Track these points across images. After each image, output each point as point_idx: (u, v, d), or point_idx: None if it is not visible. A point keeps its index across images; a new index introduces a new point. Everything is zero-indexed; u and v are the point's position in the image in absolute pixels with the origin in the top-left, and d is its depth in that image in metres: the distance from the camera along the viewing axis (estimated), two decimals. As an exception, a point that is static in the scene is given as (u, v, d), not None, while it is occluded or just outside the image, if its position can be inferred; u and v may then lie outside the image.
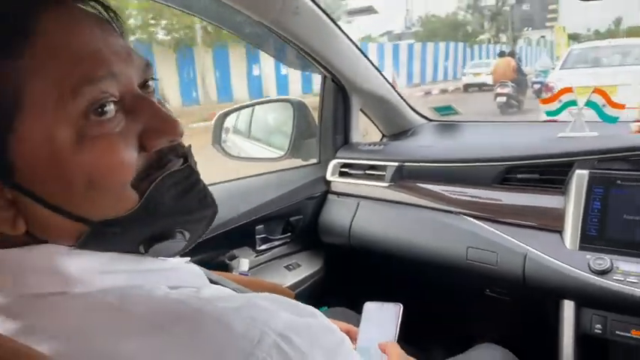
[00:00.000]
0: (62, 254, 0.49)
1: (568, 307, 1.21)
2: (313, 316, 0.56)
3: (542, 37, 51.10)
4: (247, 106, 1.99)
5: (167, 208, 0.52)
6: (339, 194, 1.74)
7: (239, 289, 0.88)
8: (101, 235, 0.49)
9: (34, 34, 0.44)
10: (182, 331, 0.46)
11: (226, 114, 1.85)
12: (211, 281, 0.77)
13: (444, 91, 19.46)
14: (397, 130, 1.93)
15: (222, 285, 0.81)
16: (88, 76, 0.45)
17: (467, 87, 19.19)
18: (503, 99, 10.77)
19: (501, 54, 13.45)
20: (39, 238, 0.49)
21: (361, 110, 1.85)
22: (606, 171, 1.23)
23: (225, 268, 1.47)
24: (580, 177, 1.25)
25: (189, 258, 0.61)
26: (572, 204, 1.24)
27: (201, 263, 1.38)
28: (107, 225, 0.49)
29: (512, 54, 12.87)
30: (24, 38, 0.44)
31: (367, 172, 1.69)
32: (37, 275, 0.48)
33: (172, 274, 0.55)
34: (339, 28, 1.50)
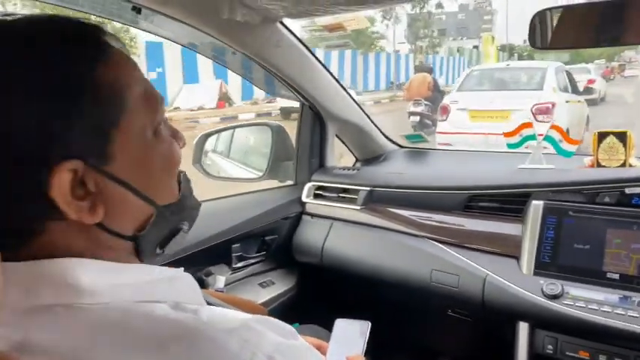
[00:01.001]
0: (77, 265, 0.52)
1: (523, 329, 1.30)
2: (294, 337, 0.62)
3: (475, 47, 49.14)
4: (228, 129, 2.06)
5: (188, 200, 0.65)
6: (313, 215, 1.82)
7: (223, 306, 0.93)
8: (160, 219, 0.59)
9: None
10: (180, 350, 0.50)
11: (207, 135, 1.91)
12: None
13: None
14: (370, 155, 2.03)
15: (210, 303, 0.87)
16: (159, 98, 0.60)
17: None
18: (417, 118, 9.76)
19: (417, 68, 12.71)
20: (107, 228, 0.55)
21: (337, 136, 1.94)
22: (560, 202, 1.34)
23: (201, 284, 1.53)
24: (536, 207, 1.35)
25: (182, 268, 0.64)
26: (528, 232, 1.34)
27: (178, 279, 1.44)
28: (165, 209, 0.60)
29: (428, 69, 11.67)
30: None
31: (340, 195, 1.77)
32: (50, 286, 0.52)
33: (173, 286, 0.59)
34: (318, 61, 1.59)
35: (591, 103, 15.07)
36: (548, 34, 1.09)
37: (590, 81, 17.29)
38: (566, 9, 1.11)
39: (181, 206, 0.64)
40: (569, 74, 8.59)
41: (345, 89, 1.79)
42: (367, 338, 1.08)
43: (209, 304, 0.83)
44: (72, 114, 0.50)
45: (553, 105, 6.87)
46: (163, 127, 0.60)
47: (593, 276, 1.23)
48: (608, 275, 1.22)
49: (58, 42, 0.51)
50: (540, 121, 6.45)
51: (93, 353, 0.50)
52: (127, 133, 0.54)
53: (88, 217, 0.52)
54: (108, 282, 0.54)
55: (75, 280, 0.52)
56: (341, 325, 1.15)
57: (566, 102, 7.46)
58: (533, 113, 6.76)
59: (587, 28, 1.04)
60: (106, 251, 0.57)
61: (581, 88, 16.87)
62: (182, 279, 0.62)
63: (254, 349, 0.52)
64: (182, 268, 0.64)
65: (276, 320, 0.62)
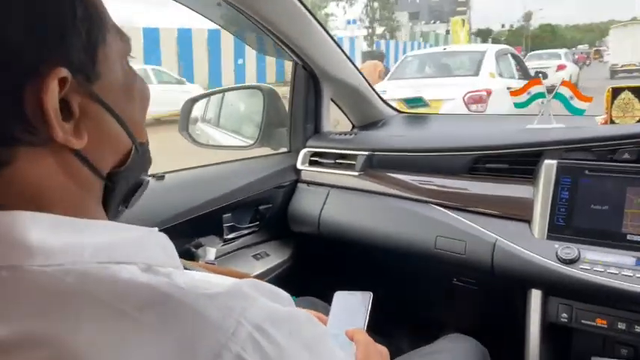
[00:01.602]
0: (28, 219, 0.44)
1: (535, 297, 1.22)
2: (292, 306, 0.54)
3: (448, 31, 45.14)
4: (216, 93, 1.95)
5: (148, 150, 0.60)
6: (309, 183, 1.72)
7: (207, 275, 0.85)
8: (136, 157, 0.55)
9: None
10: (149, 319, 0.42)
11: (194, 100, 1.81)
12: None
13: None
14: (367, 121, 1.92)
15: (187, 269, 0.78)
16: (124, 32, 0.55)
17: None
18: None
19: (365, 55, 12.04)
20: (85, 158, 0.49)
21: (332, 100, 1.83)
22: (574, 161, 1.24)
23: (190, 256, 1.44)
24: (548, 167, 1.26)
25: (157, 228, 0.55)
26: (540, 193, 1.25)
27: (166, 251, 1.36)
28: (142, 146, 0.56)
29: (379, 56, 10.97)
30: None
31: (337, 161, 1.67)
32: None
33: (144, 247, 0.50)
34: (313, 16, 1.48)
35: None
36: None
37: (561, 66, 17.37)
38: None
39: (146, 151, 0.59)
40: (516, 58, 7.94)
41: (341, 48, 1.67)
42: (369, 310, 1.01)
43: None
44: (67, 18, 0.46)
45: (488, 93, 6.06)
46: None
47: (612, 238, 1.14)
48: (629, 237, 1.13)
49: None
50: (474, 112, 5.97)
51: (44, 326, 0.41)
52: (111, 54, 0.51)
53: (73, 139, 0.46)
54: (64, 240, 0.45)
55: (23, 236, 0.43)
56: (341, 297, 1.08)
57: (509, 89, 6.63)
58: (465, 102, 6.12)
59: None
60: (76, 190, 0.50)
61: (551, 74, 17.04)
62: (154, 237, 0.53)
63: (239, 317, 0.44)
64: (156, 228, 0.55)
65: (272, 286, 0.54)
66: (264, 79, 20.05)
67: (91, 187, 0.51)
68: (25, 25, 0.43)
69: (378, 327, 1.07)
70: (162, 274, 0.46)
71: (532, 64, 18.14)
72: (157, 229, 0.55)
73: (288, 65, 1.78)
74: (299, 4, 1.41)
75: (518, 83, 6.42)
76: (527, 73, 7.60)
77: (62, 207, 0.47)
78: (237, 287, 0.47)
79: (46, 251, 0.43)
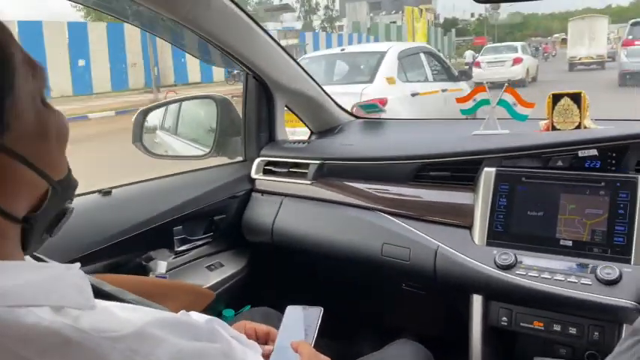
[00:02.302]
0: None
1: (477, 301, 1.25)
2: (212, 339, 0.55)
3: (393, 22, 41.97)
4: (170, 103, 1.94)
5: (71, 175, 0.59)
6: (263, 192, 1.73)
7: (138, 301, 0.85)
8: (54, 196, 0.54)
9: None
10: None
11: (147, 111, 1.80)
12: (103, 294, 0.73)
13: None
14: (325, 127, 1.94)
15: (117, 297, 0.78)
16: (41, 66, 0.54)
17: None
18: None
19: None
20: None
21: (287, 107, 1.84)
22: (512, 168, 1.28)
23: (142, 270, 1.43)
24: (488, 174, 1.29)
25: (79, 264, 0.56)
26: (480, 200, 1.28)
27: (116, 266, 1.36)
28: (59, 184, 0.55)
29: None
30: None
31: (291, 169, 1.68)
32: None
33: (55, 287, 0.50)
34: (258, 25, 1.48)
35: (520, 84, 14.45)
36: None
37: (517, 60, 16.98)
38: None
39: (69, 182, 0.59)
40: (435, 57, 6.92)
41: (291, 56, 1.68)
42: (318, 324, 1.03)
43: (125, 301, 0.74)
44: None
45: (382, 102, 4.88)
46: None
47: (547, 244, 1.18)
48: (562, 242, 1.17)
49: None
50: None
51: None
52: (20, 100, 0.49)
53: None
54: None
55: None
56: (291, 312, 1.11)
57: (413, 95, 5.69)
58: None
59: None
60: None
61: (507, 67, 16.43)
62: (69, 277, 0.53)
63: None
64: (78, 264, 0.56)
65: (193, 319, 0.55)
66: (212, 77, 19.91)
67: (5, 231, 0.51)
68: None
69: (335, 335, 1.08)
70: (69, 317, 0.46)
71: (487, 57, 18.19)
72: (77, 265, 0.55)
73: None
74: (244, 16, 1.42)
75: (431, 87, 6.16)
76: (451, 74, 6.81)
77: None
78: (145, 328, 0.48)
79: None
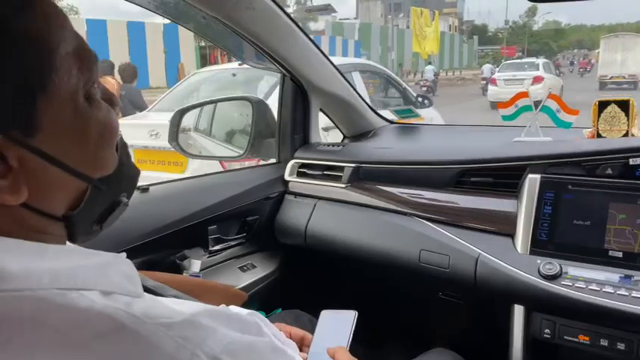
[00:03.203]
0: None
1: (518, 312, 1.21)
2: (259, 333, 0.54)
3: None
4: (206, 104, 1.95)
5: (126, 168, 0.58)
6: (296, 194, 1.72)
7: (179, 296, 0.84)
8: (96, 194, 0.53)
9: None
10: (103, 348, 0.43)
11: (183, 111, 1.80)
12: (145, 288, 0.73)
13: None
14: (358, 131, 1.92)
15: (158, 293, 0.78)
16: (93, 57, 0.52)
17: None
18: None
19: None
20: (34, 208, 0.48)
21: (321, 110, 1.83)
22: (558, 176, 1.24)
23: (176, 268, 1.43)
24: (532, 181, 1.25)
25: (125, 254, 0.56)
26: (523, 208, 1.24)
27: (151, 263, 1.36)
28: (101, 182, 0.54)
29: (109, 69, 6.26)
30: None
31: (325, 172, 1.67)
32: None
33: (104, 273, 0.50)
34: (298, 26, 1.48)
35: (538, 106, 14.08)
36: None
37: (537, 79, 15.65)
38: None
39: (120, 176, 0.57)
40: (383, 76, 5.58)
41: (329, 59, 1.67)
42: (353, 329, 1.02)
43: (165, 296, 0.74)
44: None
45: None
46: (97, 91, 0.53)
47: (594, 254, 1.13)
48: (611, 253, 1.12)
49: None
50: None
51: None
52: (57, 98, 0.47)
53: (9, 197, 0.45)
54: (24, 264, 0.44)
55: None
56: (326, 316, 1.10)
57: (326, 129, 3.21)
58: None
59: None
60: (34, 235, 0.48)
61: (526, 86, 14.70)
62: (117, 265, 0.52)
63: (194, 348, 0.45)
64: (124, 254, 0.56)
65: (239, 312, 0.55)
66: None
67: (47, 228, 0.51)
68: None
69: (367, 341, 1.06)
70: (121, 302, 0.46)
71: (505, 74, 17.06)
72: (124, 254, 0.55)
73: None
74: (284, 16, 1.41)
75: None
76: (407, 99, 5.30)
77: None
78: (196, 317, 0.48)
79: (4, 275, 0.43)
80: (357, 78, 4.77)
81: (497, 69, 19.29)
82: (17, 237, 0.47)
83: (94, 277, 0.48)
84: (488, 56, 46.94)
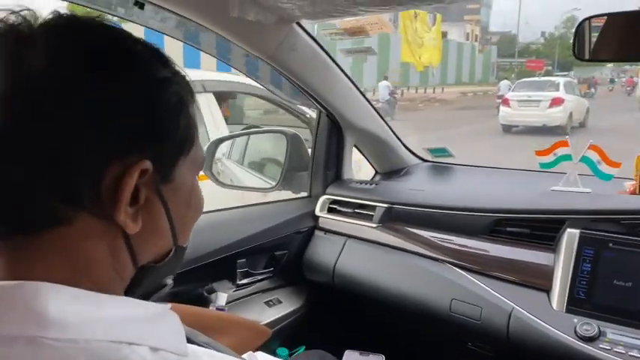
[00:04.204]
0: (48, 289, 0.45)
1: None
2: None
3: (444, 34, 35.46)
4: (241, 135, 1.97)
5: (185, 252, 0.61)
6: (326, 231, 1.71)
7: (210, 344, 0.84)
8: (174, 258, 0.57)
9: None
10: None
11: (220, 141, 1.83)
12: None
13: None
14: (391, 168, 1.91)
15: (190, 339, 0.78)
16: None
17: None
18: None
19: None
20: (131, 245, 0.51)
21: (355, 146, 1.83)
22: (598, 232, 1.20)
23: (202, 301, 1.43)
24: (571, 236, 1.22)
25: (169, 305, 0.56)
26: (561, 263, 1.20)
27: (178, 295, 1.36)
28: (181, 250, 0.58)
29: None
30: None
31: (356, 210, 1.66)
32: (13, 312, 0.43)
33: (153, 327, 0.51)
34: (337, 66, 1.49)
35: (558, 132, 11.15)
36: (589, 44, 0.97)
37: (556, 100, 13.46)
38: (610, 17, 0.98)
39: (182, 253, 0.61)
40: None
41: (365, 96, 1.68)
42: None
43: (197, 343, 0.74)
44: (171, 127, 0.51)
45: None
46: None
47: (636, 318, 1.09)
48: (653, 318, 1.08)
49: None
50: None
51: None
52: (187, 167, 0.55)
53: (131, 223, 0.49)
54: (80, 314, 0.45)
55: (43, 306, 0.43)
56: (350, 357, 1.07)
57: None
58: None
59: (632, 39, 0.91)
60: (109, 276, 0.51)
61: (542, 109, 13.01)
62: (167, 319, 0.53)
63: None
64: (170, 305, 0.56)
65: None
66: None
67: (123, 272, 0.53)
68: (145, 118, 0.48)
69: None
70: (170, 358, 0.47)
71: (519, 94, 14.45)
72: (169, 305, 0.56)
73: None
74: (326, 57, 1.42)
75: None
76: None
77: (91, 281, 0.48)
78: None
79: (62, 324, 0.43)
80: (206, 100, 3.12)
81: (511, 89, 16.30)
82: (101, 264, 0.49)
83: (145, 330, 0.49)
84: (510, 70, 40.87)
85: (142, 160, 0.48)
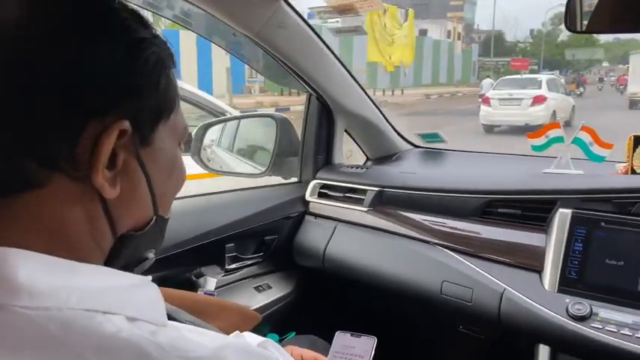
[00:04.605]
0: (17, 257, 0.43)
1: (543, 352, 1.16)
2: None
3: (425, 31, 35.95)
4: (230, 119, 1.95)
5: (166, 224, 0.60)
6: (316, 215, 1.69)
7: (195, 322, 0.82)
8: (155, 228, 0.55)
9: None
10: None
11: (207, 126, 1.80)
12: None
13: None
14: (382, 154, 1.89)
15: (173, 317, 0.76)
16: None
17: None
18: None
19: None
20: (110, 213, 0.50)
21: (346, 131, 1.80)
22: (590, 212, 1.19)
23: (191, 285, 1.41)
24: (563, 216, 1.20)
25: (151, 277, 0.55)
26: (552, 243, 1.19)
27: (166, 279, 1.34)
28: (161, 220, 0.56)
29: None
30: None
31: (347, 194, 1.64)
32: None
33: (131, 297, 0.49)
34: (327, 47, 1.47)
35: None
36: (580, 16, 0.95)
37: (538, 99, 13.03)
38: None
39: (164, 228, 0.60)
40: None
41: (356, 80, 1.65)
42: (372, 355, 0.98)
43: (179, 321, 0.73)
44: (152, 84, 0.50)
45: None
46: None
47: (627, 297, 1.08)
48: (645, 296, 1.07)
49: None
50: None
51: None
52: (169, 131, 0.54)
53: (109, 188, 0.47)
54: (54, 281, 0.44)
55: (12, 274, 0.42)
56: (342, 338, 1.05)
57: None
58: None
59: (628, 9, 0.89)
60: (86, 243, 0.49)
61: (524, 107, 12.29)
62: (146, 289, 0.52)
63: None
64: (150, 277, 0.54)
65: (262, 350, 0.55)
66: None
67: (102, 241, 0.51)
68: (123, 75, 0.47)
69: None
70: (146, 330, 0.45)
71: (500, 92, 14.02)
72: (150, 277, 0.54)
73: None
74: (315, 37, 1.40)
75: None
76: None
77: (68, 248, 0.47)
78: (218, 353, 0.47)
79: (33, 292, 0.42)
80: None
81: (492, 87, 15.89)
82: (78, 230, 0.48)
83: (122, 300, 0.47)
84: (494, 70, 39.14)
85: (120, 120, 0.46)
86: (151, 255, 0.60)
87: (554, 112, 12.94)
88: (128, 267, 0.57)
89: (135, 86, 0.48)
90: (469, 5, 54.43)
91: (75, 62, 0.44)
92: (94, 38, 0.46)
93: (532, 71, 32.37)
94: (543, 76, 15.96)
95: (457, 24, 44.78)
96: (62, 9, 0.46)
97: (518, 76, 18.05)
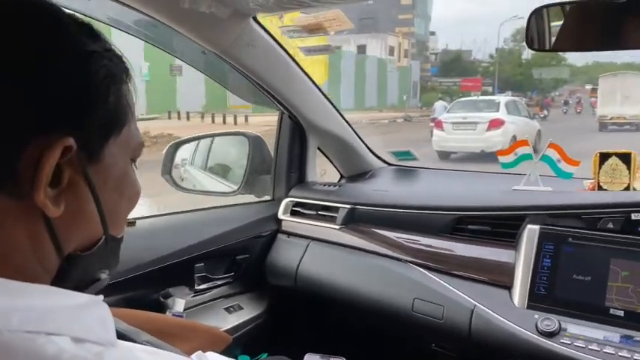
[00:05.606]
0: None
1: None
2: None
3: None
4: (202, 137, 1.93)
5: (121, 243, 0.58)
6: (289, 234, 1.67)
7: (153, 342, 0.79)
8: (104, 248, 0.53)
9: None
10: None
11: (178, 145, 1.78)
12: (118, 333, 0.69)
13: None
14: (355, 171, 1.89)
15: (130, 338, 0.73)
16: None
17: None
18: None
19: None
20: (54, 232, 0.47)
21: (319, 149, 1.80)
22: (558, 227, 1.20)
23: (159, 307, 1.38)
24: (531, 232, 1.21)
25: (102, 296, 0.53)
26: (522, 259, 1.20)
27: (132, 301, 1.30)
28: (113, 241, 0.54)
29: None
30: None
31: (320, 212, 1.63)
32: None
33: (78, 317, 0.47)
34: (298, 65, 1.47)
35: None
36: (546, 34, 0.96)
37: (494, 122, 11.65)
38: (572, 6, 0.98)
39: (117, 247, 0.57)
40: None
41: (328, 99, 1.66)
42: None
43: (137, 342, 0.70)
44: (99, 99, 0.48)
45: None
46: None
47: (595, 312, 1.08)
48: (612, 312, 1.07)
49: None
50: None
51: None
52: (120, 148, 0.52)
53: (52, 207, 0.45)
54: None
55: None
56: None
57: None
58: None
59: (592, 28, 0.91)
60: (29, 263, 0.47)
61: (483, 132, 10.66)
62: (94, 309, 0.49)
63: None
64: (101, 296, 0.52)
65: None
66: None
67: (46, 261, 0.49)
68: (68, 90, 0.45)
69: None
70: (92, 352, 0.43)
71: (454, 116, 12.83)
72: (101, 297, 0.52)
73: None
74: (285, 55, 1.40)
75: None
76: None
77: (11, 269, 0.45)
78: None
79: None
80: None
81: (446, 110, 14.66)
82: (19, 249, 0.46)
83: (67, 320, 0.45)
84: (436, 90, 35.81)
85: (64, 137, 0.44)
86: (104, 276, 0.57)
87: (513, 136, 11.25)
88: (79, 288, 0.54)
89: (81, 101, 0.47)
90: (420, 20, 49.36)
91: (16, 76, 0.43)
92: (40, 50, 0.44)
93: (485, 93, 29.55)
94: (502, 98, 14.87)
95: (403, 39, 40.66)
96: (6, 19, 0.44)
97: (474, 98, 17.23)
